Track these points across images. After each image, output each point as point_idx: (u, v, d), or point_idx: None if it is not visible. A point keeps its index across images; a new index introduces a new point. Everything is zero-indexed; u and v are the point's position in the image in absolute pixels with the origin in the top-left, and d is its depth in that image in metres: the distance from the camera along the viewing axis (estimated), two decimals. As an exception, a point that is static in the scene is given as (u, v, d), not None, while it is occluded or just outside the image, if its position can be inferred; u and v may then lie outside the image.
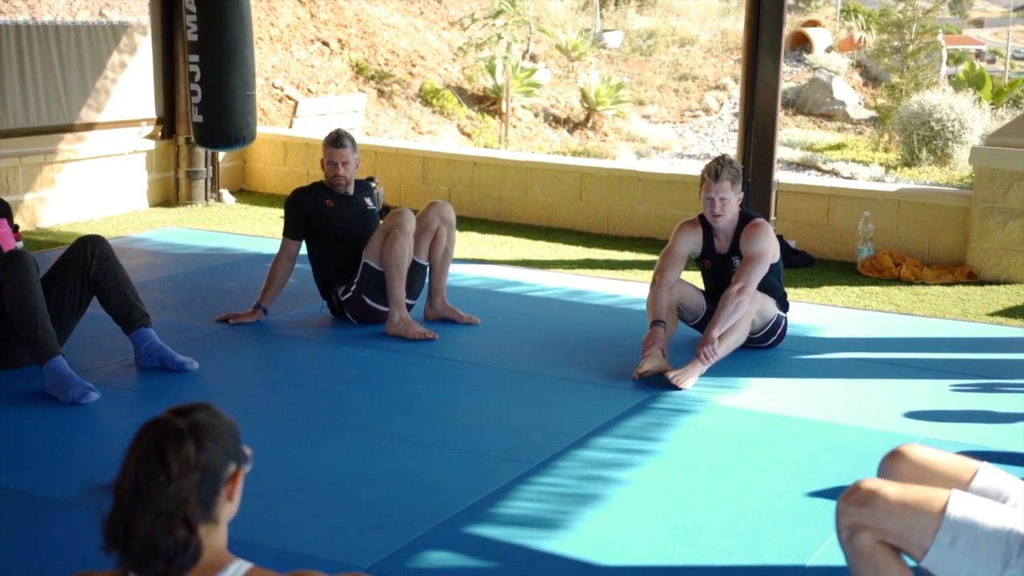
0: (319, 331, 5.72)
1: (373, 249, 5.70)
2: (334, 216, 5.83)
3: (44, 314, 4.70)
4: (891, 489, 2.49)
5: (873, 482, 2.54)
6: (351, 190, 5.96)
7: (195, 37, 7.22)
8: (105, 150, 8.71)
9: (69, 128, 8.46)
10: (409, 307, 5.74)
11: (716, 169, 5.22)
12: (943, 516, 2.42)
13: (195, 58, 7.25)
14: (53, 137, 8.35)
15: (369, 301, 5.72)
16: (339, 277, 5.80)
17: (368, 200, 6.03)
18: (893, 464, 2.69)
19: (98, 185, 8.70)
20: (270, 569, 1.95)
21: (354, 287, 5.72)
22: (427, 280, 5.90)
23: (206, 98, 7.22)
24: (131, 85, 8.82)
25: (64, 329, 4.97)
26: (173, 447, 1.85)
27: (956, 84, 16.93)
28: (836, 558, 3.42)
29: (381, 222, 5.89)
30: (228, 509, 1.95)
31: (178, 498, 1.83)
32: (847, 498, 2.52)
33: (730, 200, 5.24)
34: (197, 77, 7.25)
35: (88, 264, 4.97)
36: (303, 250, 5.90)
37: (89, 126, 8.59)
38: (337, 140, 5.84)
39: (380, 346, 5.48)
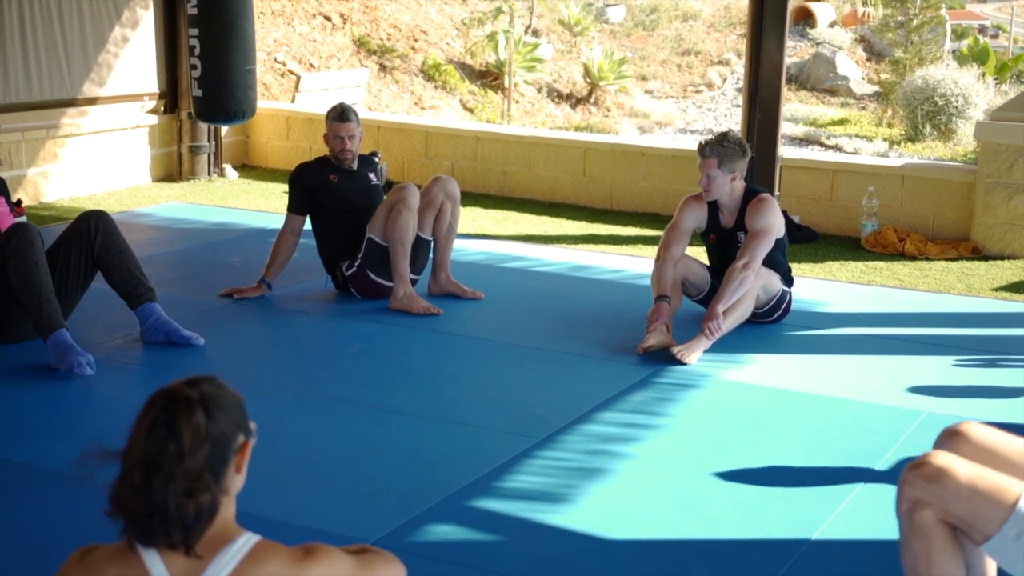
0: (323, 306, 5.72)
1: (377, 224, 5.69)
2: (338, 191, 5.82)
3: (49, 287, 4.70)
4: (963, 470, 2.40)
5: (944, 458, 2.44)
6: (355, 165, 5.95)
7: (195, 11, 7.19)
8: (108, 125, 8.69)
9: (72, 102, 8.44)
10: (413, 282, 5.75)
11: (702, 145, 5.28)
12: (1014, 509, 2.34)
13: (195, 32, 7.22)
14: (56, 111, 8.33)
15: (373, 276, 5.72)
16: (343, 252, 5.80)
17: (372, 175, 6.02)
18: (953, 443, 2.58)
19: (101, 160, 8.69)
20: (277, 542, 1.96)
21: (358, 262, 5.72)
22: (431, 255, 5.90)
23: (206, 72, 7.20)
24: (133, 59, 8.80)
25: (68, 304, 4.97)
26: (184, 416, 1.85)
27: (960, 59, 16.88)
28: (840, 532, 3.43)
29: (385, 197, 5.88)
30: (236, 481, 1.95)
31: (192, 466, 1.83)
32: (915, 470, 2.43)
33: (716, 177, 5.22)
34: (197, 51, 7.22)
35: (92, 239, 4.97)
36: (307, 225, 5.90)
37: (92, 100, 8.57)
38: (343, 114, 5.83)
39: (384, 321, 5.48)
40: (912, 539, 2.45)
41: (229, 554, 1.89)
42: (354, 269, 5.74)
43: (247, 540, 1.92)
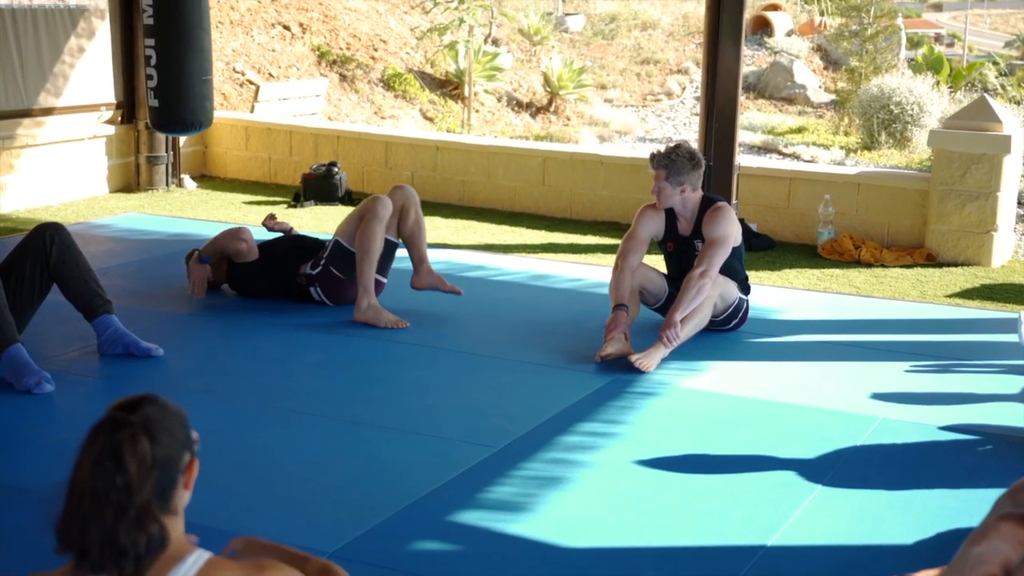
0: (283, 316, 5.71)
1: (347, 230, 5.74)
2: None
3: (2, 302, 4.66)
4: None
5: None
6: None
7: (151, 21, 7.17)
8: (64, 135, 8.63)
9: (27, 113, 8.37)
10: (381, 284, 5.75)
11: (652, 156, 5.34)
12: None
13: (151, 42, 7.20)
14: (11, 122, 8.26)
15: (337, 273, 5.75)
16: (287, 279, 5.86)
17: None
18: None
19: (57, 171, 8.62)
20: (230, 557, 1.95)
21: (323, 261, 5.74)
22: (408, 253, 5.90)
23: (162, 83, 7.17)
24: (90, 70, 8.74)
25: (23, 317, 4.93)
26: (128, 447, 1.81)
27: (915, 68, 17.07)
28: (796, 537, 3.47)
29: (356, 206, 5.91)
30: (184, 497, 1.93)
31: (140, 497, 1.81)
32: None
33: (665, 188, 5.27)
34: (153, 61, 7.20)
35: (47, 252, 4.93)
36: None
37: (48, 111, 8.50)
38: None
39: (343, 331, 5.48)
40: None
41: (179, 574, 1.87)
42: (320, 268, 5.75)
43: (197, 558, 1.90)
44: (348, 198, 8.66)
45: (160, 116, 7.28)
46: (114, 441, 1.81)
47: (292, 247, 5.99)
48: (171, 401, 1.93)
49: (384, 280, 5.82)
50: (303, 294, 5.85)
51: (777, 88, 17.36)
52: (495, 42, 16.94)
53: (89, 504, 1.80)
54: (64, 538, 1.82)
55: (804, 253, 7.39)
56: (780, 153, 13.79)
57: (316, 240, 6.06)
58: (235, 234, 5.92)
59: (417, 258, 5.89)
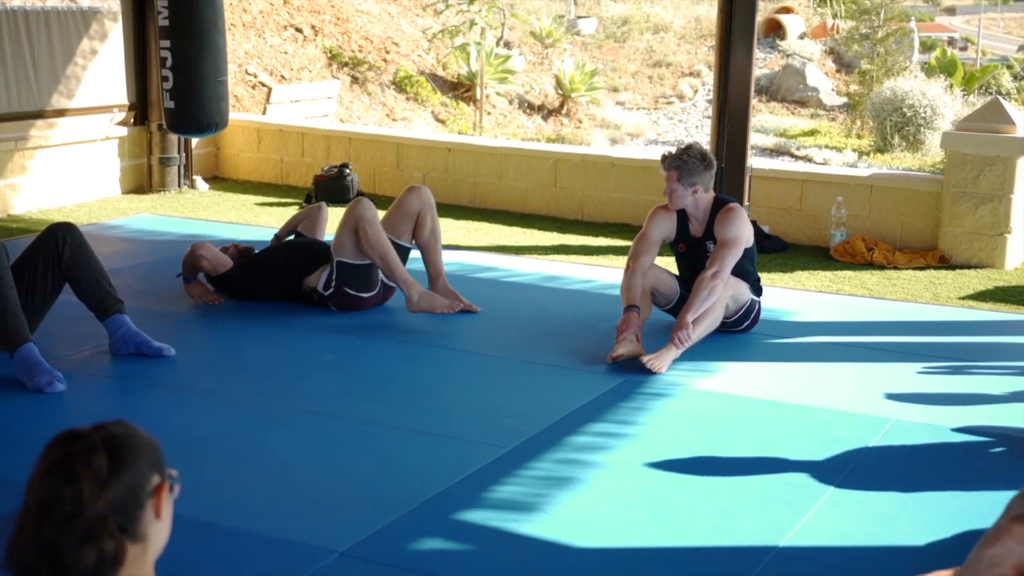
0: (296, 317, 5.71)
1: (344, 246, 5.65)
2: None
3: (14, 301, 4.67)
4: None
5: None
6: None
7: (166, 22, 7.18)
8: (77, 136, 8.65)
9: (40, 114, 8.39)
10: (391, 289, 5.75)
11: (663, 157, 5.33)
12: None
13: (166, 44, 7.21)
14: (24, 123, 8.28)
15: (353, 292, 5.70)
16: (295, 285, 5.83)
17: None
18: None
19: (70, 172, 8.65)
20: None
21: (334, 283, 5.68)
22: (424, 265, 5.88)
23: (177, 84, 7.18)
24: (102, 71, 8.76)
25: (35, 316, 4.94)
26: (82, 459, 1.68)
27: (928, 71, 17.03)
28: (808, 539, 3.46)
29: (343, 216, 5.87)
30: (156, 529, 1.73)
31: (93, 511, 1.66)
32: None
33: (676, 190, 5.26)
34: (168, 63, 7.21)
35: (60, 252, 4.94)
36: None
37: (60, 112, 8.53)
38: None
39: (356, 332, 5.48)
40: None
41: None
42: (332, 290, 5.70)
43: None
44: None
45: (176, 118, 7.30)
46: (68, 452, 1.70)
47: (290, 256, 5.90)
48: (145, 431, 1.79)
49: (395, 286, 5.79)
50: (309, 301, 5.83)
51: (789, 91, 17.35)
52: (507, 44, 16.95)
53: (35, 517, 1.67)
54: (11, 554, 1.68)
55: (816, 255, 7.37)
56: (792, 156, 13.77)
57: (313, 247, 5.96)
58: (193, 252, 5.83)
59: (433, 272, 5.85)
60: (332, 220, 8.07)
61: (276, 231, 6.41)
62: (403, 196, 5.91)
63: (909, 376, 4.99)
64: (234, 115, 9.86)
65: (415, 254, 5.89)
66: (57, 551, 1.65)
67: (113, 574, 1.67)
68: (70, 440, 1.72)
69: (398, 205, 5.85)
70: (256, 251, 6.07)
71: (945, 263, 7.13)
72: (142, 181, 9.14)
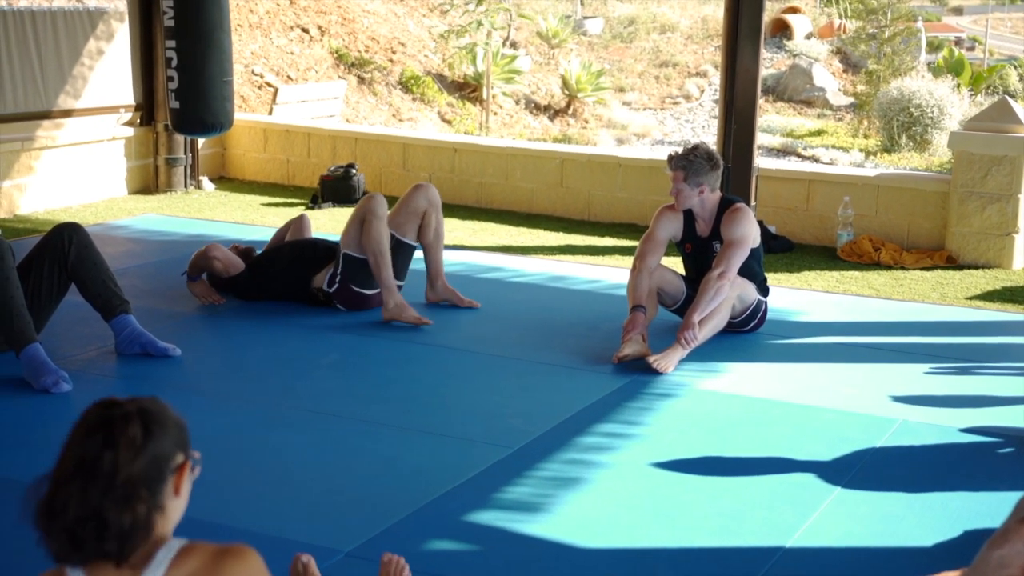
0: (301, 317, 5.71)
1: (350, 238, 5.67)
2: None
3: (20, 301, 4.67)
4: None
5: None
6: None
7: (171, 23, 7.18)
8: (83, 137, 8.66)
9: (47, 115, 8.40)
10: (399, 288, 5.74)
11: (669, 157, 5.32)
12: None
13: (171, 44, 7.21)
14: (31, 124, 8.29)
15: (357, 288, 5.70)
16: (301, 283, 5.81)
17: None
18: None
19: (77, 172, 8.65)
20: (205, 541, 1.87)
21: (339, 278, 5.68)
22: (424, 264, 5.88)
23: (183, 84, 7.18)
24: (109, 71, 8.77)
25: (41, 316, 4.94)
26: (120, 425, 1.79)
27: (935, 70, 17.01)
28: (815, 539, 3.45)
29: (353, 209, 5.87)
30: (175, 504, 1.84)
31: (128, 475, 1.76)
32: None
33: (683, 190, 5.25)
34: (174, 63, 7.21)
35: (66, 252, 4.94)
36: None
37: (67, 113, 8.54)
38: None
39: (361, 332, 5.47)
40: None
41: (157, 560, 1.81)
42: (337, 286, 5.70)
43: (178, 542, 1.84)
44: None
45: (181, 118, 7.30)
46: (106, 417, 1.80)
47: (296, 255, 5.90)
48: (175, 410, 1.89)
49: (401, 283, 5.79)
50: (316, 302, 5.83)
51: (796, 91, 17.32)
52: (513, 45, 16.95)
53: (77, 477, 1.76)
54: (46, 518, 1.77)
55: (823, 255, 7.36)
56: (799, 156, 13.75)
57: (319, 244, 5.98)
58: (206, 253, 5.84)
59: (433, 272, 5.86)
60: (333, 221, 8.07)
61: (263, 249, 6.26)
62: (409, 193, 5.89)
63: (916, 376, 4.97)
64: (240, 115, 9.87)
65: (417, 254, 5.89)
66: (101, 510, 1.75)
67: (146, 537, 1.79)
68: (109, 406, 1.82)
69: (404, 202, 5.84)
70: (256, 252, 6.07)
71: (952, 263, 7.11)
72: (148, 181, 9.14)
